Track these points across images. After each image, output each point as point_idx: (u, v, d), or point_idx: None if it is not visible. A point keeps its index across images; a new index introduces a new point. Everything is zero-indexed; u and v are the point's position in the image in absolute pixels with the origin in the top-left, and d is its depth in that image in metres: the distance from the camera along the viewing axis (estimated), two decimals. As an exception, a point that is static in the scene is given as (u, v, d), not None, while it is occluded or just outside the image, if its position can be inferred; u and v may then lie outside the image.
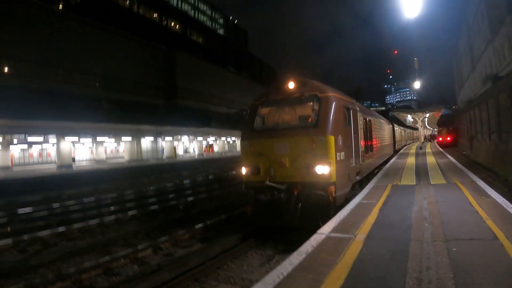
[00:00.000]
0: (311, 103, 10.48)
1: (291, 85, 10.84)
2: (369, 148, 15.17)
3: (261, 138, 10.78)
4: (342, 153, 10.37)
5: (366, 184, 13.55)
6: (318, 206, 9.24)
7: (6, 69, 44.40)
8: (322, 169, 9.48)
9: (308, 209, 9.42)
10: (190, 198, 19.59)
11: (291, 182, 9.93)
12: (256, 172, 10.54)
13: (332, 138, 9.64)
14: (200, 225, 13.02)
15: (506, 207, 7.89)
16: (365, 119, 14.50)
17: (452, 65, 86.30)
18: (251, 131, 11.18)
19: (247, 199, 10.45)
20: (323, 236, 6.56)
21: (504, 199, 8.81)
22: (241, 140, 11.28)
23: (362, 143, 13.23)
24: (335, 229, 7.05)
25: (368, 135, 15.30)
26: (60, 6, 60.00)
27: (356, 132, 12.23)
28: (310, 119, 10.55)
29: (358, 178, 12.41)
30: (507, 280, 4.25)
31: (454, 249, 5.42)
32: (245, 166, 10.82)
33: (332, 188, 9.41)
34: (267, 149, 10.40)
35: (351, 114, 11.83)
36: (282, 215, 9.93)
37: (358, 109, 13.07)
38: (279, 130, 10.77)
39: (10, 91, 40.31)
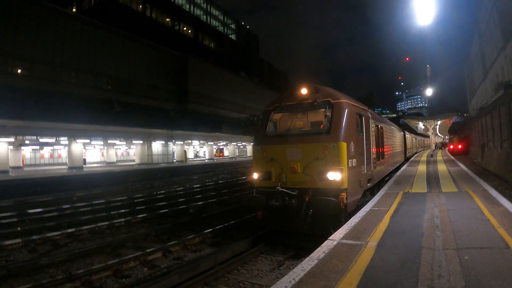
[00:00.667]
0: (324, 110, 10.44)
1: (304, 91, 10.88)
2: (380, 155, 15.09)
3: (273, 143, 10.80)
4: (354, 160, 10.34)
5: (378, 191, 13.53)
6: (329, 212, 9.21)
7: (19, 71, 44.86)
8: (334, 176, 9.46)
9: (319, 216, 9.38)
10: (200, 202, 19.62)
11: (303, 188, 9.89)
12: (267, 177, 10.54)
13: (344, 145, 9.64)
14: (209, 229, 13.04)
15: (518, 216, 7.84)
16: (377, 126, 14.45)
17: (463, 72, 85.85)
18: (263, 137, 11.22)
19: (258, 204, 10.42)
20: (334, 243, 6.56)
21: (516, 208, 8.74)
22: (253, 145, 11.31)
23: (373, 150, 13.17)
24: (346, 236, 7.04)
25: (380, 142, 15.23)
26: (74, 9, 60.60)
27: (368, 139, 12.20)
28: (322, 125, 10.54)
29: (369, 185, 12.35)
30: (519, 289, 4.23)
31: (466, 257, 5.39)
32: (257, 171, 10.82)
33: (344, 194, 9.37)
34: (279, 155, 10.40)
35: (364, 121, 11.82)
36: (292, 220, 9.89)
37: (370, 115, 13.05)
38: (291, 136, 10.78)
39: (23, 93, 40.70)
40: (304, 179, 9.91)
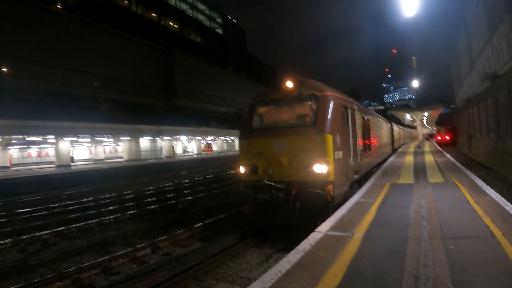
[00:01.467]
0: (309, 102, 10.46)
1: (289, 84, 10.81)
2: (367, 147, 15.09)
3: (260, 137, 10.74)
4: (340, 152, 10.34)
5: (365, 182, 13.55)
6: (316, 205, 9.18)
7: (5, 70, 44.44)
8: (320, 168, 9.44)
9: (306, 208, 9.40)
10: (189, 197, 19.59)
11: (290, 181, 9.86)
12: (254, 171, 10.50)
13: (330, 137, 9.62)
14: (199, 224, 13.06)
15: (503, 206, 7.90)
16: (363, 118, 14.44)
17: (450, 64, 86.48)
18: (250, 130, 11.17)
19: (246, 198, 10.40)
20: (321, 235, 6.58)
21: (502, 198, 8.82)
22: (240, 139, 11.25)
23: (360, 142, 13.20)
24: (333, 228, 7.06)
25: (367, 134, 15.25)
26: (59, 6, 60.04)
27: (354, 131, 12.20)
28: (308, 118, 10.47)
29: (356, 177, 12.36)
30: (504, 278, 4.27)
31: (451, 247, 5.43)
32: (244, 165, 10.78)
33: (330, 187, 9.34)
34: (266, 148, 10.38)
35: (349, 113, 11.80)
36: (280, 214, 9.88)
37: (356, 108, 13.03)
38: (277, 129, 10.73)
39: (9, 92, 40.36)
40: (291, 172, 9.89)
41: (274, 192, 9.88)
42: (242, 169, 10.83)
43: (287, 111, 11.64)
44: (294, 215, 9.49)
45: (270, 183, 9.92)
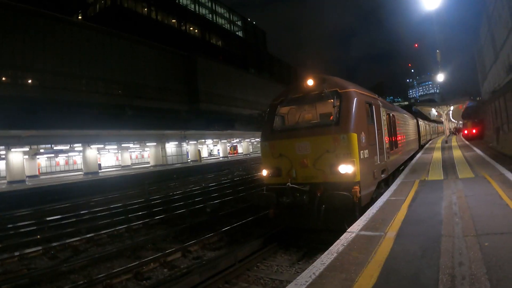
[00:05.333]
0: (332, 100, 10.12)
1: (310, 82, 10.53)
2: (394, 144, 14.70)
3: (281, 138, 10.52)
4: (366, 151, 10.01)
5: (393, 181, 13.28)
6: (343, 207, 8.94)
7: (30, 81, 45.37)
8: (346, 169, 9.14)
9: (332, 211, 9.17)
10: (216, 200, 19.68)
11: (314, 183, 9.61)
12: (277, 174, 10.33)
13: (355, 136, 9.32)
14: (227, 227, 13.09)
15: (537, 199, 7.75)
16: (388, 114, 14.05)
17: (474, 55, 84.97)
18: (271, 132, 10.94)
19: (268, 202, 10.25)
20: (353, 235, 6.53)
21: (535, 191, 8.63)
22: (261, 141, 11.09)
23: (386, 139, 12.82)
24: (364, 227, 7.01)
25: (392, 131, 14.84)
26: (80, 17, 61.00)
27: (379, 128, 11.87)
28: (331, 117, 10.21)
29: (383, 176, 12.00)
30: (541, 274, 4.18)
31: (486, 244, 5.33)
32: (266, 168, 10.63)
33: (357, 188, 9.02)
34: (288, 150, 10.16)
35: (374, 110, 11.49)
36: (306, 217, 9.63)
37: (380, 104, 12.67)
38: (299, 129, 10.43)
39: (35, 103, 41.16)
40: (315, 173, 9.64)
41: (298, 195, 9.67)
42: (264, 172, 10.66)
43: (309, 110, 11.55)
44: (319, 218, 9.25)
45: (293, 185, 9.71)
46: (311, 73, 10.85)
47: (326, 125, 9.96)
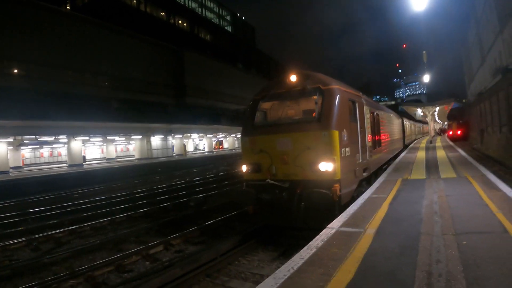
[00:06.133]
0: (314, 97, 9.97)
1: (293, 78, 10.33)
2: (377, 143, 14.60)
3: (262, 134, 10.33)
4: (348, 149, 9.89)
5: (375, 180, 13.25)
6: (322, 205, 8.80)
7: (16, 71, 44.85)
8: (326, 166, 9.00)
9: (312, 209, 9.02)
10: (200, 195, 19.67)
11: (294, 180, 9.46)
12: (257, 170, 10.17)
13: (336, 133, 9.16)
14: (211, 221, 13.12)
15: (517, 200, 7.85)
16: (372, 112, 13.94)
17: (461, 58, 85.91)
18: (252, 127, 10.76)
19: (248, 198, 10.12)
20: (333, 231, 6.58)
21: (515, 192, 8.74)
22: (241, 137, 10.90)
23: (369, 137, 12.75)
24: (345, 224, 7.06)
25: (376, 130, 14.74)
26: (68, 7, 60.40)
27: (362, 127, 11.76)
28: (314, 113, 10.08)
29: (365, 174, 11.90)
30: (517, 273, 4.24)
31: (464, 243, 5.41)
32: (246, 164, 10.44)
33: (337, 186, 8.89)
34: (268, 146, 9.98)
35: (357, 108, 11.42)
36: (285, 214, 9.43)
37: (364, 102, 12.56)
38: (280, 125, 10.28)
39: (20, 93, 40.70)
40: (295, 170, 9.50)
41: (278, 192, 9.54)
42: (244, 168, 10.50)
43: (292, 106, 11.42)
44: (299, 216, 9.13)
45: (273, 182, 9.62)
46: (293, 68, 10.71)
47: (308, 122, 9.86)
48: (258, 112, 11.13)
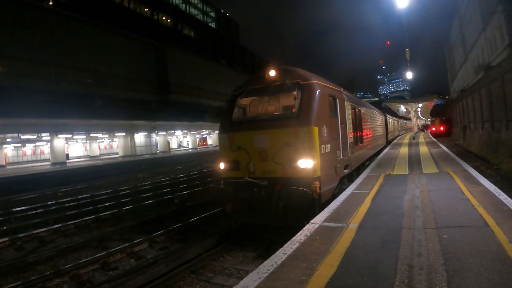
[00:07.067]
0: (293, 92, 9.71)
1: (272, 73, 10.08)
2: (359, 139, 14.49)
3: (240, 130, 10.12)
4: (328, 145, 9.72)
5: (357, 176, 13.19)
6: (301, 203, 8.60)
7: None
8: (306, 163, 8.82)
9: (291, 207, 8.83)
10: (185, 192, 19.61)
11: (273, 177, 9.26)
12: (235, 168, 9.95)
13: (315, 129, 8.97)
14: (195, 218, 13.13)
15: (497, 195, 7.97)
16: (354, 108, 13.79)
17: (444, 55, 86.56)
18: (229, 123, 10.53)
19: (225, 197, 9.90)
20: (316, 226, 6.65)
21: (495, 187, 8.88)
22: (219, 133, 10.67)
23: (351, 134, 12.56)
24: (328, 219, 7.12)
25: (358, 126, 14.63)
26: (50, 3, 59.67)
27: (343, 123, 11.57)
28: (293, 109, 9.79)
29: (346, 171, 11.72)
30: (497, 265, 4.32)
31: (445, 236, 5.50)
32: (224, 161, 10.22)
33: (317, 183, 8.69)
34: (246, 143, 9.78)
35: (338, 103, 11.19)
36: (264, 213, 9.32)
37: (345, 97, 12.36)
38: (259, 121, 10.10)
39: (1, 91, 40.17)
40: (274, 168, 9.29)
41: (256, 190, 9.37)
42: (222, 165, 10.29)
43: (271, 102, 11.27)
44: (277, 214, 9.00)
45: (251, 180, 9.41)
46: (272, 63, 10.54)
47: (287, 118, 9.69)
48: (236, 108, 10.91)
